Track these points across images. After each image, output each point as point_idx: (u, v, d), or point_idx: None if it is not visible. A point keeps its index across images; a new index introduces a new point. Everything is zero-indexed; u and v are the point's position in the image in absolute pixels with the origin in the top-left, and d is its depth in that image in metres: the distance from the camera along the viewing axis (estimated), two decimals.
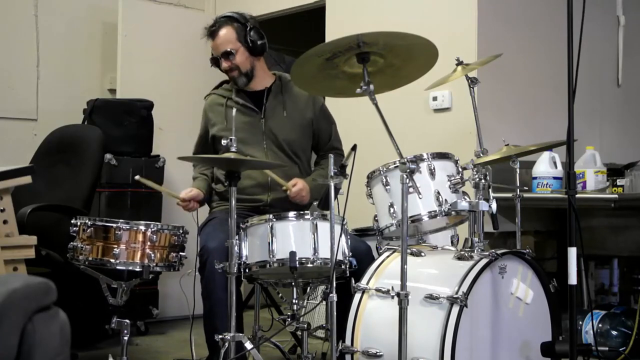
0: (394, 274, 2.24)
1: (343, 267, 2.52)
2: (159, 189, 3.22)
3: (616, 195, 3.15)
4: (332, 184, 2.30)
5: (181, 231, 2.66)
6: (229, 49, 3.05)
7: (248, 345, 2.49)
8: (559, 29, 2.47)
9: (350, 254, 2.57)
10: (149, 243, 2.55)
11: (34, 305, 1.57)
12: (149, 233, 2.56)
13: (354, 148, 2.35)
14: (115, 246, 2.52)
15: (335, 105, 3.48)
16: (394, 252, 2.52)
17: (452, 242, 2.76)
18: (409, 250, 2.33)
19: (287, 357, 3.18)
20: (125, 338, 2.57)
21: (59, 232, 2.94)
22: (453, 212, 2.44)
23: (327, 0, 4.35)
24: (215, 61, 3.11)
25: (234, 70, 3.08)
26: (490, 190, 2.45)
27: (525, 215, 2.81)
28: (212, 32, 3.08)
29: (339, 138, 3.26)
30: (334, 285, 2.28)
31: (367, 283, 2.44)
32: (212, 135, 3.14)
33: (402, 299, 2.11)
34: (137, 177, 2.80)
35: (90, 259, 2.55)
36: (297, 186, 2.91)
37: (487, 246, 2.43)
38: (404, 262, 2.12)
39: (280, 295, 2.79)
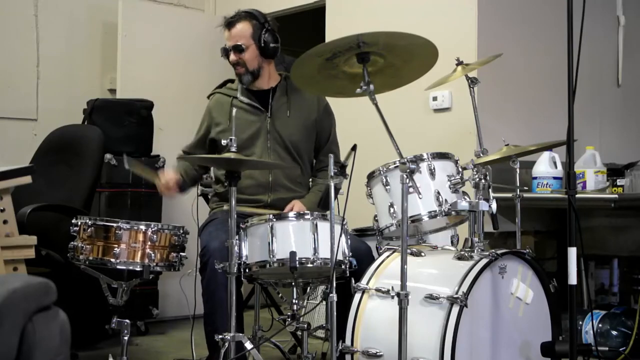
0: (394, 274, 2.24)
1: (343, 267, 2.52)
2: (143, 173, 3.09)
3: (616, 195, 3.15)
4: (332, 184, 2.30)
5: (181, 231, 2.66)
6: (240, 43, 3.05)
7: (248, 345, 2.49)
8: (559, 29, 2.47)
9: (350, 254, 2.57)
10: (149, 243, 2.55)
11: (34, 305, 1.58)
12: (149, 233, 2.56)
13: (354, 148, 2.35)
14: (116, 246, 2.52)
15: (335, 105, 3.47)
16: (394, 252, 2.52)
17: (452, 242, 2.76)
18: (409, 250, 2.33)
19: (287, 357, 3.18)
20: (125, 338, 2.57)
21: (59, 232, 2.94)
22: (453, 212, 2.44)
23: (327, 0, 4.36)
24: (225, 52, 3.10)
25: (241, 66, 3.07)
26: (490, 190, 2.45)
27: (525, 215, 2.81)
28: (229, 22, 3.08)
29: (337, 142, 3.24)
30: (334, 285, 2.28)
31: (367, 283, 2.43)
32: (212, 138, 3.11)
33: (402, 299, 2.11)
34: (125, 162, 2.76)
35: (90, 258, 2.55)
36: (294, 211, 2.90)
37: (487, 246, 2.43)
38: (404, 262, 2.12)
39: (280, 295, 2.79)
